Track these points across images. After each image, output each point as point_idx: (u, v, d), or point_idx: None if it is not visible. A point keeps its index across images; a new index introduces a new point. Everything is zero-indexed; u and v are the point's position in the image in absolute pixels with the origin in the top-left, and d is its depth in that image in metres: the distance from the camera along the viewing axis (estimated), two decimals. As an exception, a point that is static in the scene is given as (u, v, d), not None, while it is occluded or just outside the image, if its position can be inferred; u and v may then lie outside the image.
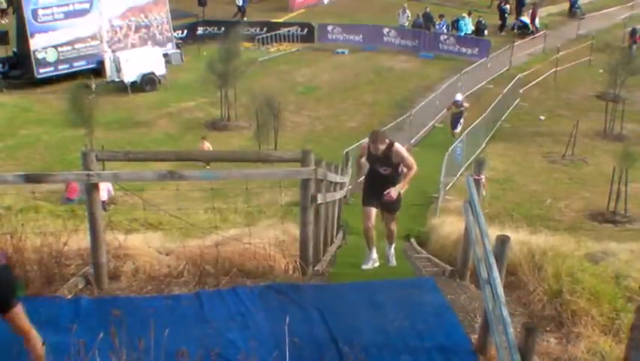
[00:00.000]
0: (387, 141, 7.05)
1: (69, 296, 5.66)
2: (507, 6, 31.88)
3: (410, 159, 7.14)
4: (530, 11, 31.82)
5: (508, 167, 18.92)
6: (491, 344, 4.89)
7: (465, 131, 18.71)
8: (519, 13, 32.07)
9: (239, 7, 32.57)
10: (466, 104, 20.52)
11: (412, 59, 28.52)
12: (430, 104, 21.84)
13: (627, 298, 5.97)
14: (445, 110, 21.45)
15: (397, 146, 7.08)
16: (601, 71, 25.36)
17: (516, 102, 23.85)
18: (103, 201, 14.22)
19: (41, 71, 24.66)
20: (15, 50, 25.19)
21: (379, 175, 7.17)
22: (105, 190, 14.59)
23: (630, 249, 7.86)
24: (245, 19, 31.96)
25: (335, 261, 8.11)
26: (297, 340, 4.96)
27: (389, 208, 7.34)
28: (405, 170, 7.08)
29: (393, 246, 7.68)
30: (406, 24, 30.68)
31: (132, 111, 22.96)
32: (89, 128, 18.17)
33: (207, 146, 19.07)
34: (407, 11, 30.94)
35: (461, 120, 20.21)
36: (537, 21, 31.22)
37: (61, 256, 6.06)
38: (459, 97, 20.60)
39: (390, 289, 6.06)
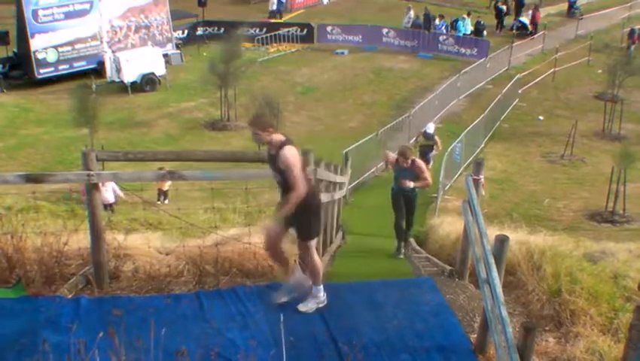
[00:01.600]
0: (271, 131, 5.14)
1: (70, 296, 5.68)
2: (504, 6, 31.91)
3: (295, 176, 5.06)
4: (530, 12, 31.85)
5: (507, 167, 18.94)
6: (490, 343, 4.91)
7: (464, 132, 18.70)
8: (518, 13, 32.09)
9: (272, 11, 32.25)
10: (438, 140, 16.60)
11: (411, 59, 28.53)
12: (429, 104, 21.86)
13: (625, 297, 5.98)
14: (412, 140, 17.87)
15: (286, 150, 5.07)
16: (599, 71, 25.43)
17: (515, 102, 23.87)
18: (110, 204, 14.21)
19: (42, 71, 24.70)
20: (15, 50, 25.24)
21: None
22: (110, 192, 14.50)
23: (628, 249, 7.87)
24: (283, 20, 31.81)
25: (334, 261, 8.13)
26: (296, 339, 4.99)
27: (296, 233, 5.44)
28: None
29: (317, 288, 5.52)
30: (409, 24, 30.77)
31: (132, 111, 22.99)
32: (92, 129, 18.18)
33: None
34: (411, 12, 31.01)
35: (431, 155, 16.48)
36: (538, 22, 31.22)
37: (61, 256, 6.08)
38: (431, 129, 16.83)
39: (389, 288, 6.07)
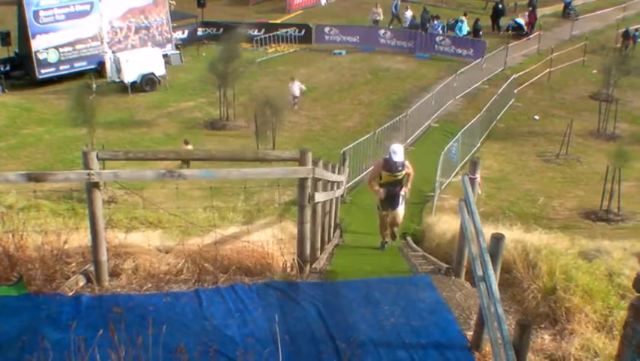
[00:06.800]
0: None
1: (70, 294, 5.70)
2: (500, 5, 31.96)
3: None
4: (527, 13, 31.90)
5: (503, 166, 19.01)
6: (486, 340, 4.95)
7: (461, 131, 18.75)
8: (532, 13, 31.86)
9: (375, 21, 31.61)
10: (410, 167, 9.25)
11: (408, 59, 28.60)
12: (426, 104, 21.92)
13: (620, 295, 6.03)
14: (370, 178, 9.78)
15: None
16: (594, 71, 25.54)
17: (510, 102, 23.94)
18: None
19: (43, 71, 24.81)
20: (17, 50, 25.30)
21: None
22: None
23: (623, 247, 7.92)
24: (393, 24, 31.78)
25: (332, 259, 8.18)
26: (293, 337, 5.04)
27: None
28: None
29: None
30: (407, 25, 30.86)
31: (132, 111, 23.02)
32: (90, 128, 18.22)
33: (190, 147, 18.16)
34: (407, 12, 31.04)
35: (403, 193, 9.40)
36: (535, 23, 31.25)
37: (62, 254, 6.12)
38: (400, 154, 8.99)
39: (386, 286, 6.11)
